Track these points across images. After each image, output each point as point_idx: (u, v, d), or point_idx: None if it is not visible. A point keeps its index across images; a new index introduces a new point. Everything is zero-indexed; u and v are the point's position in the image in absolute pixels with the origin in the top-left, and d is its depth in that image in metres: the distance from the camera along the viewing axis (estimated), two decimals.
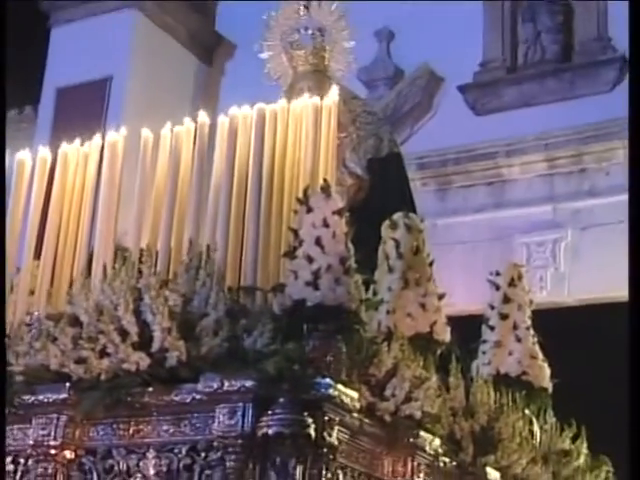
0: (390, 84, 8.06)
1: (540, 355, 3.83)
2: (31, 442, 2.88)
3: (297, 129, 3.19)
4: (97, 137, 3.32)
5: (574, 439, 3.88)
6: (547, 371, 3.82)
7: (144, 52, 8.03)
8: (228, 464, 2.68)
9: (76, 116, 7.59)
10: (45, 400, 2.87)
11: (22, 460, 2.96)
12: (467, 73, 7.77)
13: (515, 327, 3.77)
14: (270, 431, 2.65)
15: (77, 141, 3.40)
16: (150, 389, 2.81)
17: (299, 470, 2.66)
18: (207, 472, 2.75)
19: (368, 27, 7.38)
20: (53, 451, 2.85)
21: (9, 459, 2.96)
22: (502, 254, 7.35)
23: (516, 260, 7.36)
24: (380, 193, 4.41)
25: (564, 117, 7.36)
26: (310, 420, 2.67)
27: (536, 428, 3.67)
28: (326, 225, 2.92)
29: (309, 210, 2.95)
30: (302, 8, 4.61)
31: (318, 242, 2.89)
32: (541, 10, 7.75)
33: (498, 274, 3.89)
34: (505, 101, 7.71)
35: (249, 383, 2.67)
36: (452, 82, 7.82)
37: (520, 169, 7.60)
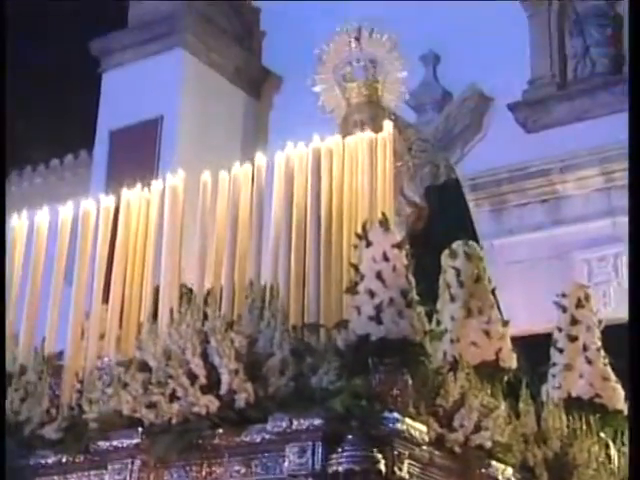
0: (439, 107, 8.06)
1: (612, 376, 3.77)
2: None
3: (353, 164, 3.21)
4: (158, 182, 3.37)
5: None
6: (621, 393, 3.75)
7: (193, 90, 8.16)
8: None
9: (130, 157, 7.74)
10: (119, 445, 2.91)
11: None
12: (516, 91, 7.75)
13: (585, 349, 3.72)
14: (341, 468, 2.65)
15: (138, 186, 3.46)
16: (220, 431, 2.84)
17: None
18: None
19: (414, 51, 7.39)
20: None
21: None
22: (562, 272, 7.29)
23: (577, 277, 7.32)
24: (440, 221, 4.40)
25: (618, 130, 7.28)
26: (380, 455, 2.67)
27: (613, 452, 3.60)
28: (386, 259, 2.93)
29: (368, 245, 2.97)
30: (353, 40, 4.64)
31: (379, 276, 2.91)
32: (589, 24, 7.70)
33: (564, 295, 3.85)
34: (556, 117, 7.66)
35: (318, 421, 2.69)
36: (501, 101, 7.80)
37: (576, 185, 7.54)
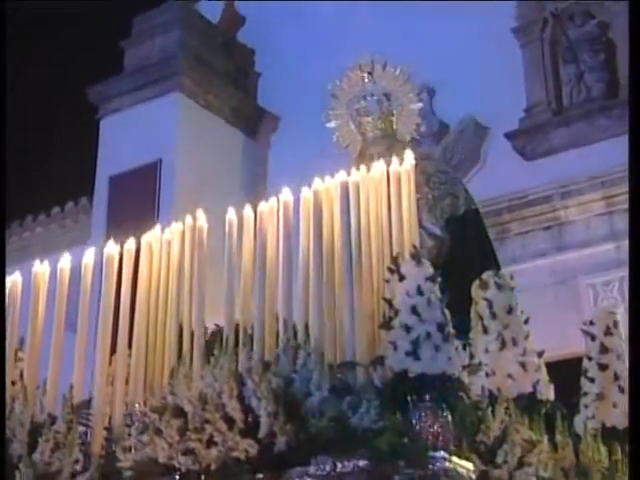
0: (436, 139, 8.06)
1: None
2: None
3: (378, 196, 3.17)
4: (178, 223, 3.33)
5: None
6: None
7: (190, 132, 8.14)
8: None
9: (130, 201, 7.70)
10: None
11: None
12: (512, 120, 7.75)
13: (616, 378, 3.66)
14: None
15: (157, 228, 3.42)
16: (260, 476, 2.76)
17: None
18: None
19: None
20: None
21: None
22: (568, 297, 7.26)
23: (583, 302, 7.29)
24: (462, 252, 4.36)
25: (617, 153, 7.30)
26: None
27: None
28: (420, 293, 2.88)
29: (401, 278, 2.92)
30: (366, 75, 4.63)
31: (414, 310, 2.86)
32: (582, 50, 7.74)
33: (592, 323, 3.79)
34: (554, 143, 7.67)
35: (362, 462, 2.62)
36: (498, 130, 7.81)
37: (577, 210, 7.52)
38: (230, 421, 2.80)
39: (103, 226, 7.72)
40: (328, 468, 2.65)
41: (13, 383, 3.15)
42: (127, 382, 3.21)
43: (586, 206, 7.50)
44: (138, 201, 7.63)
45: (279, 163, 8.16)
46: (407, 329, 2.84)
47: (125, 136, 8.00)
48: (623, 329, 3.73)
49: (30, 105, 9.00)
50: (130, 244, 3.31)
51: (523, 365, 3.31)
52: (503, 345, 3.34)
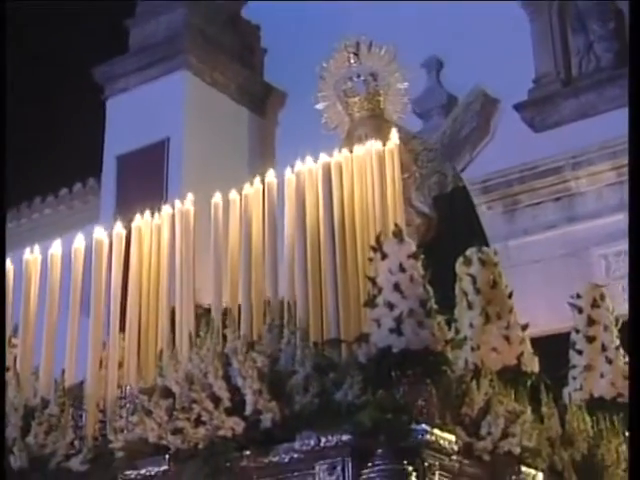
0: (444, 112, 8.04)
1: None
2: None
3: (362, 176, 3.21)
4: (167, 207, 3.37)
5: None
6: None
7: (197, 110, 8.16)
8: None
9: (138, 180, 7.74)
10: (147, 474, 2.90)
11: None
12: (521, 91, 7.71)
13: (604, 349, 3.69)
14: None
15: (147, 213, 3.46)
16: (247, 453, 2.82)
17: None
18: None
19: (416, 58, 7.38)
20: None
21: None
22: (580, 268, 7.25)
23: (595, 273, 7.28)
24: (449, 229, 4.39)
25: (626, 123, 7.24)
26: (410, 468, 2.64)
27: None
28: (402, 270, 2.91)
29: (384, 257, 2.95)
30: (352, 56, 4.65)
31: (397, 288, 2.89)
32: (591, 19, 7.67)
33: (579, 296, 3.82)
34: (564, 114, 7.62)
35: (346, 437, 2.67)
36: (507, 102, 7.77)
37: (588, 180, 7.49)
38: (216, 400, 2.86)
39: (112, 206, 7.78)
40: (313, 443, 2.70)
41: (7, 369, 3.22)
42: (120, 365, 3.27)
43: (597, 176, 7.46)
44: (146, 180, 7.67)
45: (286, 140, 8.18)
46: (390, 306, 2.88)
47: (132, 115, 8.04)
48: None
49: (35, 87, 9.06)
50: (121, 228, 3.36)
51: (507, 338, 3.35)
52: (487, 319, 3.38)
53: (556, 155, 7.47)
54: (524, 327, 3.42)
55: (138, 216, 3.37)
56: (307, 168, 3.13)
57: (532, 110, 7.73)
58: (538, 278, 7.21)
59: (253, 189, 3.21)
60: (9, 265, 3.46)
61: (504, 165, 7.54)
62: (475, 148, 7.96)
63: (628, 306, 3.13)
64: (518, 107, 7.74)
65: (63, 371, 3.19)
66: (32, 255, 3.39)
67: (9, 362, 3.26)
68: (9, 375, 3.19)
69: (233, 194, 3.25)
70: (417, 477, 2.64)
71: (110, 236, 3.33)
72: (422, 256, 2.96)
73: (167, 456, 2.89)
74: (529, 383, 3.33)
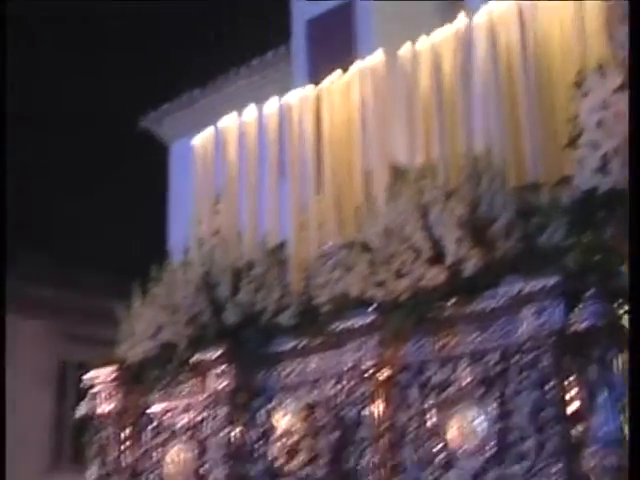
0: None
1: None
2: (349, 365, 2.96)
3: (560, 9, 2.98)
4: (355, 65, 3.31)
5: None
6: None
7: None
8: (544, 363, 2.62)
9: (328, 42, 7.63)
10: (354, 325, 2.93)
11: (342, 383, 3.05)
12: None
13: None
14: (583, 325, 2.54)
15: (335, 73, 3.41)
16: (451, 301, 2.80)
17: (618, 361, 2.55)
18: (523, 374, 2.70)
19: None
20: (372, 370, 2.92)
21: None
22: None
23: None
24: None
25: None
26: (621, 311, 2.55)
27: None
28: (605, 107, 2.75)
29: (585, 95, 2.79)
30: None
31: (600, 125, 2.73)
32: None
33: None
34: None
35: (553, 280, 2.58)
36: None
37: None
38: (417, 252, 2.84)
39: (305, 71, 7.75)
40: (519, 288, 2.63)
41: (215, 233, 3.32)
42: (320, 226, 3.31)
43: None
44: (336, 41, 7.55)
45: None
46: (594, 146, 2.74)
47: None
48: None
49: None
50: (310, 91, 3.33)
51: None
52: None
53: None
54: None
55: (329, 77, 3.33)
56: (498, 7, 2.95)
57: None
58: None
59: (442, 35, 3.07)
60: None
61: None
62: None
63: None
64: None
65: (264, 234, 3.26)
66: (229, 123, 3.43)
67: (214, 227, 3.37)
68: (216, 239, 3.29)
69: (422, 43, 3.12)
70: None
71: (302, 99, 3.31)
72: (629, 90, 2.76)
73: (372, 308, 2.92)
74: None
